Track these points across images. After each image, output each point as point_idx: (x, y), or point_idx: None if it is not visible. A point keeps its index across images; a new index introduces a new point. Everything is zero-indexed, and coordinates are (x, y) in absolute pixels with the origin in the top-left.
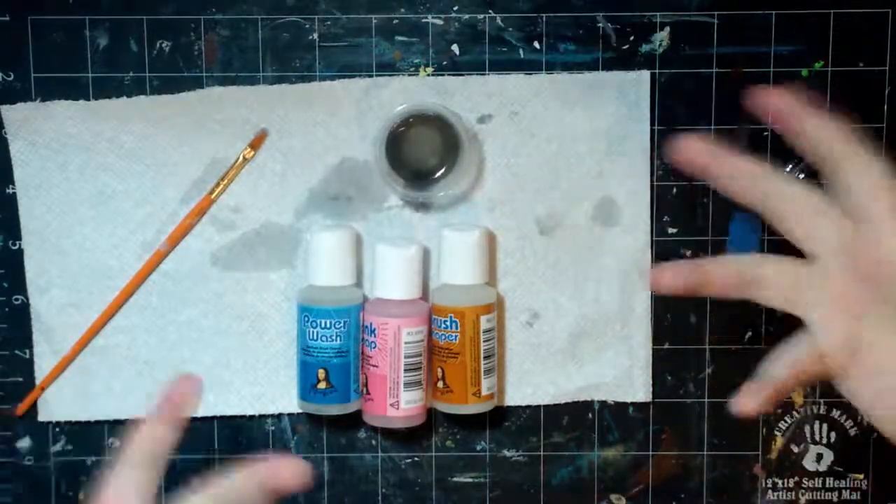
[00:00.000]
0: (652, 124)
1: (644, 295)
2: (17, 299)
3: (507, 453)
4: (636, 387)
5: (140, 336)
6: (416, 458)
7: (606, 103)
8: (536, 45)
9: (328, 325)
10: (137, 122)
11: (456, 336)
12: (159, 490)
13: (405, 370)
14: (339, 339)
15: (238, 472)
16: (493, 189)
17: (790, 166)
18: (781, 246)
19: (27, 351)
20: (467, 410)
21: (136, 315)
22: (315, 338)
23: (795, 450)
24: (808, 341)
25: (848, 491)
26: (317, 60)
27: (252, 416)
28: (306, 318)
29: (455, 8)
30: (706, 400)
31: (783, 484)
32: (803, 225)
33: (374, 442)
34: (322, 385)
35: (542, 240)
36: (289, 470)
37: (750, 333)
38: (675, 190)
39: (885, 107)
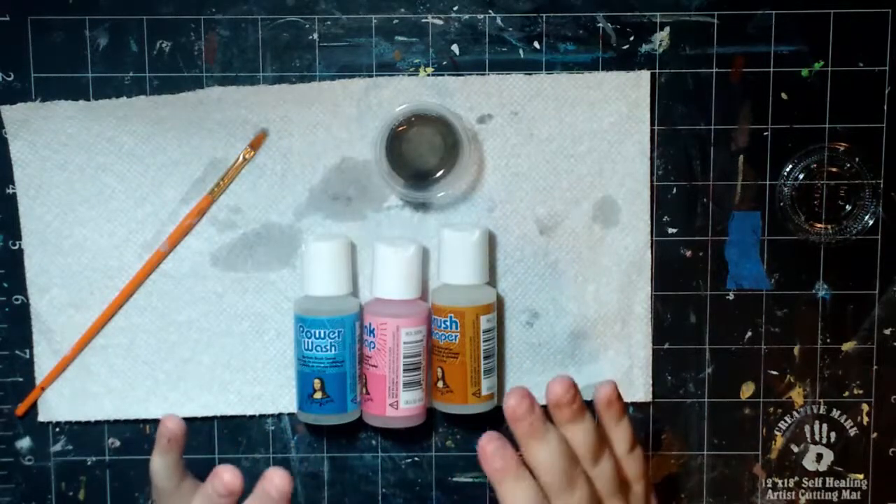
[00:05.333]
0: (652, 124)
1: (644, 295)
2: (17, 299)
3: None
4: (636, 387)
5: (140, 336)
6: (416, 458)
7: (606, 103)
8: (536, 45)
9: (322, 335)
10: (137, 122)
11: (456, 336)
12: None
13: (404, 370)
14: (333, 348)
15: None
16: (493, 189)
17: (790, 166)
18: (781, 246)
19: (27, 351)
20: (467, 410)
21: (137, 315)
22: (310, 348)
23: (795, 450)
24: None
25: (848, 491)
26: (317, 60)
27: (252, 416)
28: (301, 328)
29: (455, 8)
30: (706, 400)
31: (783, 484)
32: None
33: (374, 442)
34: (318, 395)
35: (542, 240)
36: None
37: (750, 333)
38: (675, 190)
39: (885, 107)
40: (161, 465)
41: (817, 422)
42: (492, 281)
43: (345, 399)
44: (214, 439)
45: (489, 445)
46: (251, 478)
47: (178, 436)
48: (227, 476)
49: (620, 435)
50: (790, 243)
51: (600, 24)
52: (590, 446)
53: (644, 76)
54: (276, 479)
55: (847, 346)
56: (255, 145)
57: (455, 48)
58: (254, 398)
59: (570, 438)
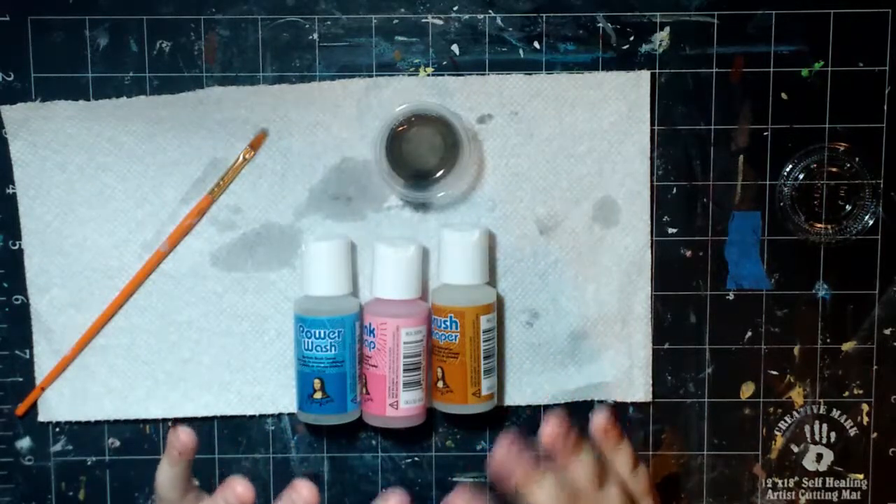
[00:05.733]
0: (652, 124)
1: (644, 295)
2: (17, 299)
3: None
4: (636, 387)
5: (140, 336)
6: (416, 458)
7: (606, 103)
8: (536, 45)
9: (322, 335)
10: (137, 122)
11: (456, 336)
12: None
13: (404, 370)
14: (333, 348)
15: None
16: (493, 189)
17: (790, 166)
18: (781, 246)
19: (27, 351)
20: (467, 410)
21: (137, 315)
22: (310, 348)
23: (795, 450)
24: None
25: (848, 491)
26: (317, 60)
27: (252, 416)
28: (301, 328)
29: (455, 8)
30: (706, 400)
31: (783, 484)
32: None
33: (374, 442)
34: (318, 395)
35: (542, 240)
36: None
37: (750, 333)
38: (675, 190)
39: (885, 107)
40: (168, 475)
41: (817, 422)
42: (492, 281)
43: (345, 399)
44: (214, 439)
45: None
46: (251, 478)
47: (189, 449)
48: (239, 488)
49: (621, 458)
50: (790, 243)
51: (600, 24)
52: (592, 477)
53: (644, 76)
54: (304, 492)
55: (847, 346)
56: (255, 145)
57: (455, 48)
58: (254, 398)
59: (572, 472)
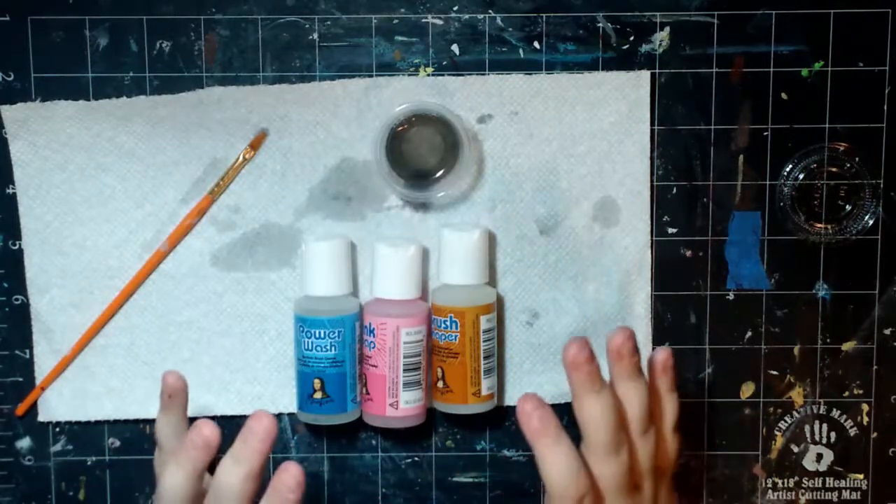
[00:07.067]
0: (652, 124)
1: (644, 295)
2: (17, 299)
3: (507, 453)
4: None
5: (140, 336)
6: (416, 458)
7: (606, 103)
8: (536, 45)
9: (322, 335)
10: (137, 122)
11: (456, 336)
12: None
13: (404, 370)
14: (333, 348)
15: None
16: (493, 189)
17: (790, 166)
18: (781, 246)
19: (27, 351)
20: (467, 410)
21: (137, 315)
22: (310, 347)
23: (795, 450)
24: None
25: (848, 491)
26: (317, 60)
27: None
28: (301, 328)
29: (455, 8)
30: (706, 400)
31: (783, 484)
32: None
33: (374, 442)
34: (318, 395)
35: (542, 240)
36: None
37: (750, 333)
38: (675, 190)
39: (885, 107)
40: (164, 422)
41: (817, 422)
42: (492, 281)
43: (345, 399)
44: None
45: (527, 405)
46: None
47: (177, 390)
48: (206, 430)
49: (670, 407)
50: (790, 243)
51: (600, 24)
52: (642, 409)
53: (644, 76)
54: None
55: (847, 346)
56: (255, 145)
57: (455, 48)
58: (254, 398)
59: (624, 396)
